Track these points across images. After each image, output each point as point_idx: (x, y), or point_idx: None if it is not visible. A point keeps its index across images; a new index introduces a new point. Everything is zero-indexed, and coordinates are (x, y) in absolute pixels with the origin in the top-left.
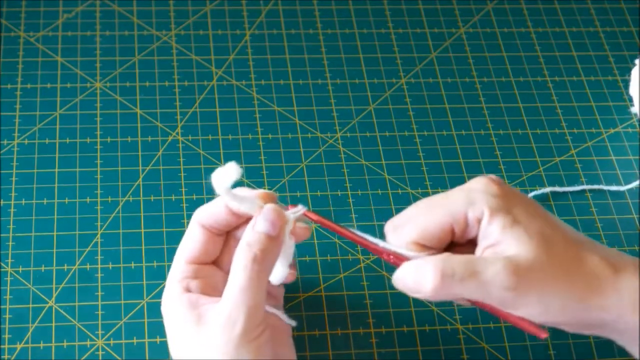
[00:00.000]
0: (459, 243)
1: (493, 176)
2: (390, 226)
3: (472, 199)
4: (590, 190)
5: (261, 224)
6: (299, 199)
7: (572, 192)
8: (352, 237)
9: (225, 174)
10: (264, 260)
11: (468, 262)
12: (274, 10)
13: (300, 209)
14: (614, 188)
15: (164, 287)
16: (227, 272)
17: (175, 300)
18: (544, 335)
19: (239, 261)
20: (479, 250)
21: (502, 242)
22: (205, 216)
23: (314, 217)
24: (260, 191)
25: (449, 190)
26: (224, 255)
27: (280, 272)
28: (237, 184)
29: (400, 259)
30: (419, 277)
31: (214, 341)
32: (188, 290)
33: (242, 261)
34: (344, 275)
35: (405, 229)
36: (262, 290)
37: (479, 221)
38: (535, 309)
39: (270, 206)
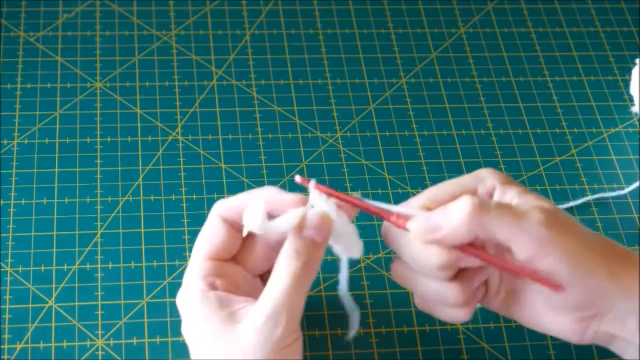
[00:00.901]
0: None
1: None
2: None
3: (480, 177)
4: (591, 190)
5: (308, 230)
6: None
7: (571, 190)
8: (361, 205)
9: (253, 213)
10: (310, 266)
11: (499, 201)
12: (274, 10)
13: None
14: (614, 194)
15: (164, 287)
16: (248, 269)
17: (201, 297)
18: (560, 288)
19: (285, 266)
20: None
21: (522, 206)
22: (229, 210)
23: (324, 189)
24: (294, 199)
25: None
26: (244, 251)
27: (355, 246)
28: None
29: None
30: (448, 210)
31: (247, 343)
32: (214, 287)
33: (289, 267)
34: None
35: (413, 199)
36: (304, 297)
37: (491, 195)
38: (562, 263)
39: (314, 213)
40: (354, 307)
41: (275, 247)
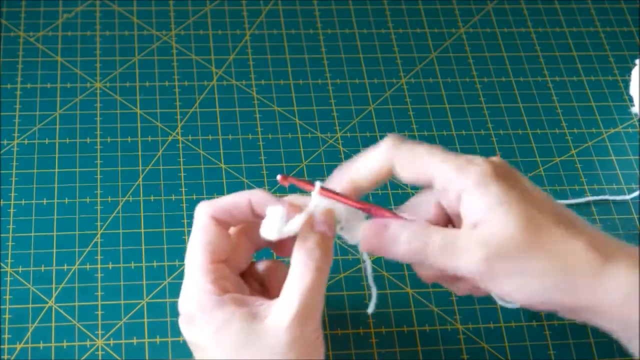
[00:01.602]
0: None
1: (493, 158)
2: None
3: (465, 170)
4: (591, 190)
5: (319, 226)
6: None
7: (571, 190)
8: (363, 208)
9: (273, 220)
10: (327, 261)
11: (445, 235)
12: (274, 10)
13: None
14: (618, 198)
15: (164, 287)
16: (232, 269)
17: (217, 302)
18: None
19: (304, 261)
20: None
21: (486, 220)
22: (219, 209)
23: (327, 194)
24: (289, 201)
25: None
26: (235, 252)
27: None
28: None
29: (383, 213)
30: (397, 235)
31: (277, 342)
32: (227, 290)
33: (312, 262)
34: (344, 275)
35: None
36: (324, 293)
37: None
38: (509, 286)
39: (322, 211)
40: (374, 286)
41: (261, 247)
